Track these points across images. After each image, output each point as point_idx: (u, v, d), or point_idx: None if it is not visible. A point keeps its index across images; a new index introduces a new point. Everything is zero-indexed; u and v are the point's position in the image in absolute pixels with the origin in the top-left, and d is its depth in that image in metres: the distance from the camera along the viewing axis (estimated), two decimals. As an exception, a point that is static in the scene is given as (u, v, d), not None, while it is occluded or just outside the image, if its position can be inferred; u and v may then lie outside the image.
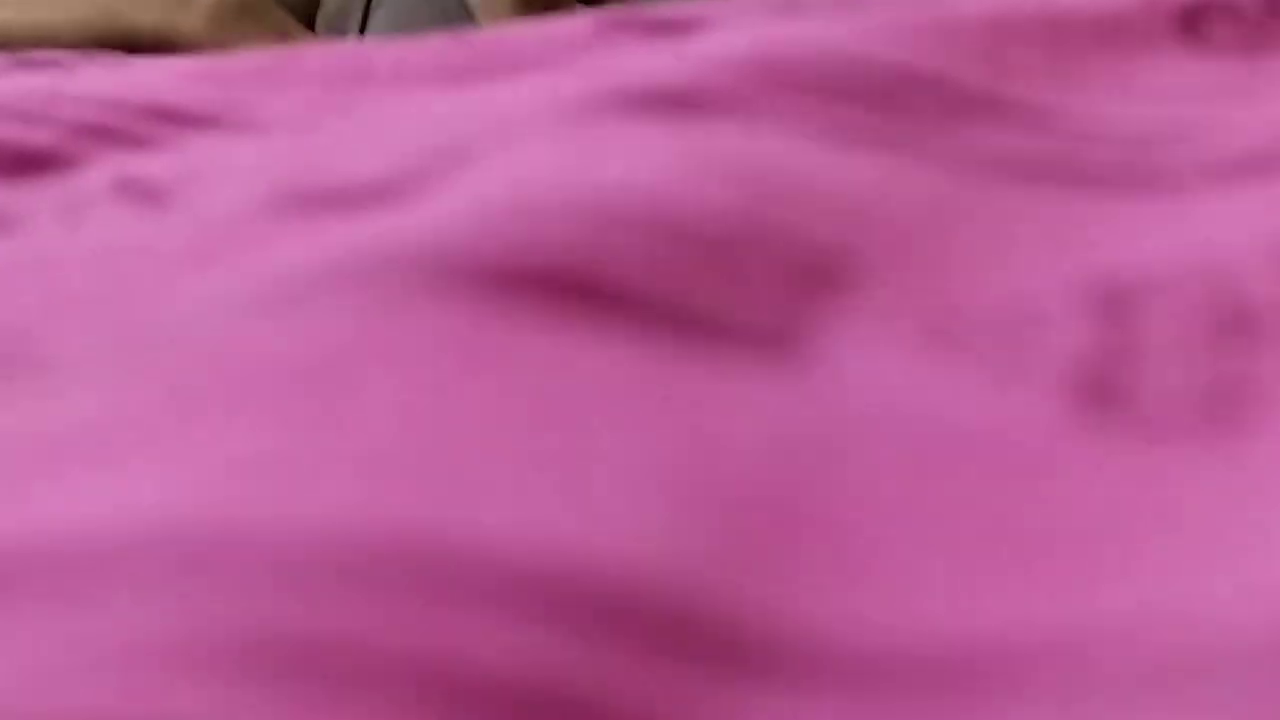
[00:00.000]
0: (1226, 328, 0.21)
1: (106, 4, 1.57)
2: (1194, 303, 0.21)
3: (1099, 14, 0.31)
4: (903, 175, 0.25)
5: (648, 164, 0.24)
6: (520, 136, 0.29)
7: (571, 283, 0.21)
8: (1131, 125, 0.28)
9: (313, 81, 0.40)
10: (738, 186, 0.24)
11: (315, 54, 0.43)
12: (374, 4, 1.78)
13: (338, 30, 1.94)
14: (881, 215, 0.24)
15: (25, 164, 0.37)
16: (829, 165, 0.25)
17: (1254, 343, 0.20)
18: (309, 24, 2.01)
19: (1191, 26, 0.32)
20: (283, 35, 1.64)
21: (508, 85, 0.35)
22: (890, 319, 0.22)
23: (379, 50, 0.42)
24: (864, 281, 0.23)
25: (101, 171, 0.34)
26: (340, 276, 0.21)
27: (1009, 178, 0.26)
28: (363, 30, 1.75)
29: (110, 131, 0.38)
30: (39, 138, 0.37)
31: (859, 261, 0.23)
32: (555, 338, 0.20)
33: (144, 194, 0.30)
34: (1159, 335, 0.21)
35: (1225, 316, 0.21)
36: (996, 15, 0.31)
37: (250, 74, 0.40)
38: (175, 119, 0.38)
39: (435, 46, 0.41)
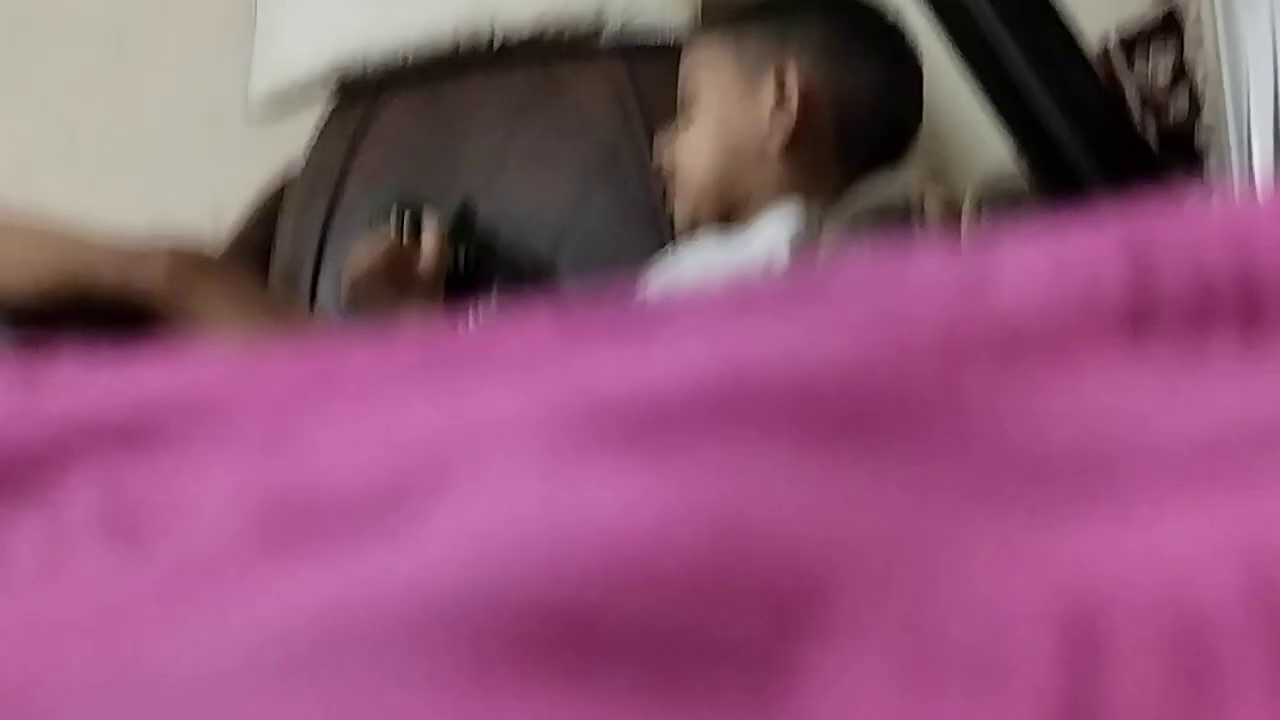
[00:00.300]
0: (1194, 679, 0.21)
1: (63, 264, 1.59)
2: (1161, 643, 0.22)
3: (1046, 316, 0.32)
4: (871, 499, 0.26)
5: (629, 504, 0.25)
6: (497, 458, 0.30)
7: (561, 642, 0.22)
8: (1088, 435, 0.29)
9: (283, 385, 0.41)
10: (719, 527, 0.25)
11: (283, 355, 0.43)
12: (325, 254, 1.80)
13: (292, 277, 1.96)
14: (854, 546, 0.25)
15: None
16: (800, 491, 0.26)
17: (1218, 703, 0.21)
18: (262, 274, 2.02)
19: (1138, 325, 0.33)
20: (237, 287, 1.66)
21: (478, 391, 0.36)
22: (868, 657, 0.23)
23: (347, 349, 0.43)
24: (839, 620, 0.23)
25: (74, 495, 0.34)
26: (329, 646, 0.22)
27: (971, 498, 0.27)
28: (315, 276, 1.77)
29: (83, 446, 0.38)
30: (9, 450, 0.37)
31: (834, 599, 0.24)
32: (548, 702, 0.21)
33: (123, 527, 0.31)
34: (1125, 681, 0.22)
35: (1193, 665, 0.22)
36: (948, 319, 0.32)
37: (218, 379, 0.41)
38: (146, 431, 0.39)
39: (403, 345, 0.42)
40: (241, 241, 2.03)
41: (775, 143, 1.61)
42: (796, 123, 1.60)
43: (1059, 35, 0.87)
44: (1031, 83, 0.87)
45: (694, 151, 1.66)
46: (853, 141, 1.63)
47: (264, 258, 2.02)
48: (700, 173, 1.66)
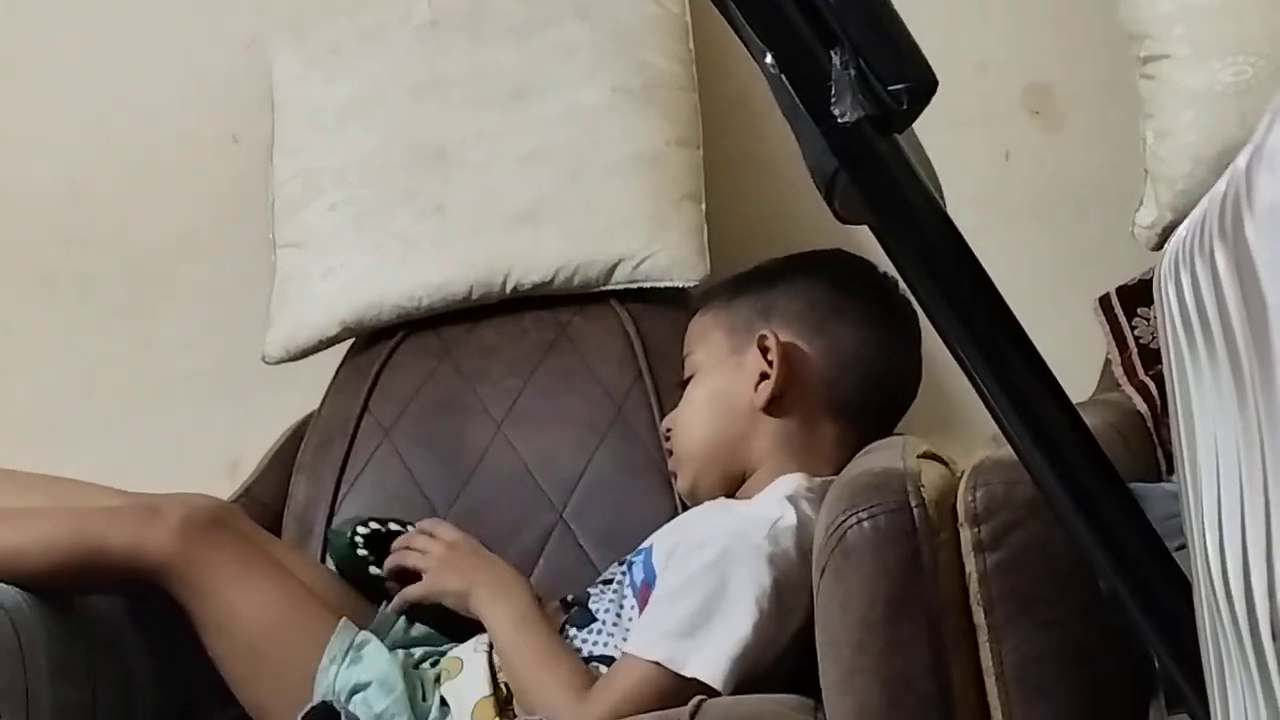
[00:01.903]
0: None
1: (76, 524, 1.62)
2: None
3: None
4: None
5: None
6: None
7: None
8: None
9: None
10: None
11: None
12: (338, 502, 1.82)
13: (305, 524, 1.98)
14: None
15: None
16: None
17: None
18: (278, 518, 2.05)
19: None
20: (245, 547, 1.68)
21: None
22: None
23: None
24: None
25: None
26: None
27: None
28: (328, 523, 1.79)
29: None
30: None
31: None
32: None
33: None
34: None
35: None
36: None
37: None
38: None
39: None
40: (257, 488, 2.05)
41: (761, 404, 1.65)
42: (781, 384, 1.65)
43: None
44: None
45: (691, 423, 1.71)
46: (841, 401, 1.67)
47: (279, 503, 2.04)
48: (699, 443, 1.70)
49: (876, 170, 0.84)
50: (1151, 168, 1.80)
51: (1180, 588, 0.82)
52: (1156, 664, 0.86)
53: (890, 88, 0.81)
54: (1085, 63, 2.08)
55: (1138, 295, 1.85)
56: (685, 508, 1.74)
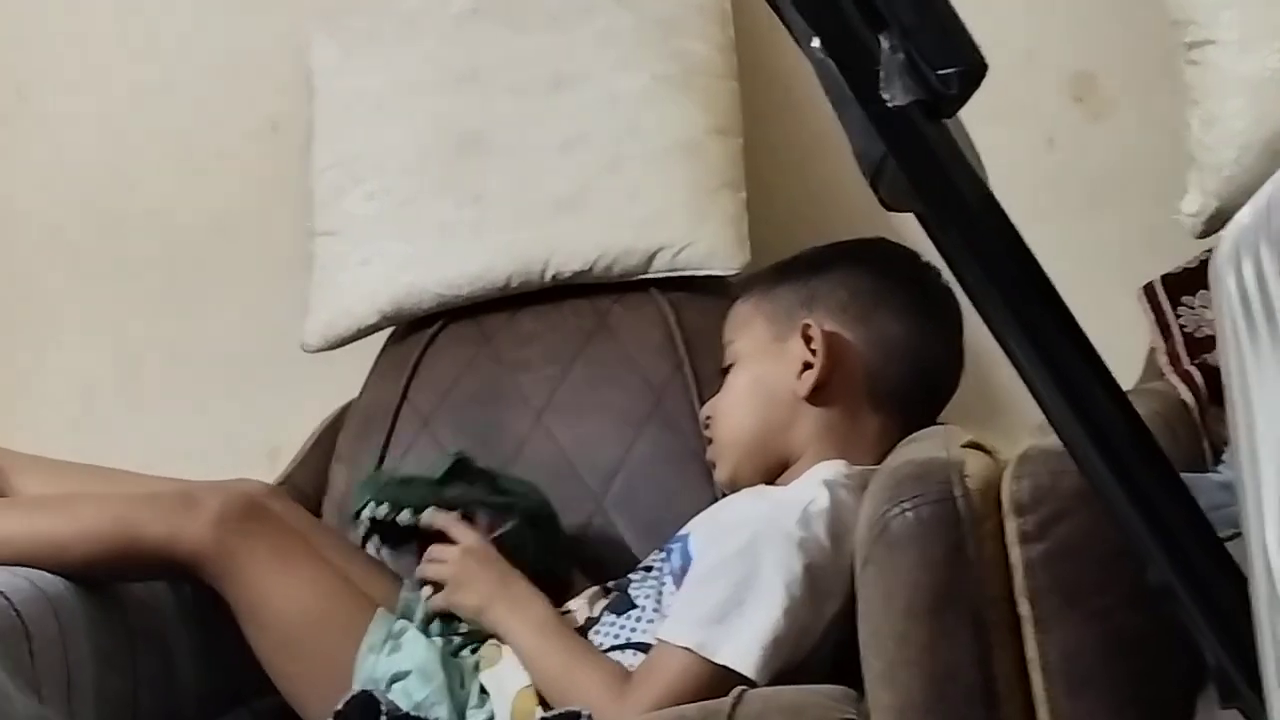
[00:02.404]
0: None
1: (118, 514, 1.62)
2: None
3: None
4: None
5: None
6: None
7: None
8: None
9: None
10: None
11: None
12: (381, 487, 1.81)
13: (345, 513, 1.97)
14: None
15: None
16: None
17: None
18: (317, 507, 2.05)
19: None
20: (284, 536, 1.68)
21: None
22: None
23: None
24: None
25: None
26: None
27: None
28: (357, 515, 1.78)
29: None
30: None
31: None
32: None
33: None
34: None
35: None
36: None
37: None
38: None
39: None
40: (297, 475, 2.05)
41: (804, 393, 1.64)
42: (824, 373, 1.64)
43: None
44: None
45: (732, 412, 1.70)
46: (884, 391, 1.66)
47: (319, 491, 2.04)
48: (739, 432, 1.69)
49: (924, 156, 0.83)
50: (1197, 155, 1.78)
51: (1234, 580, 0.81)
52: (1208, 657, 0.85)
53: (940, 72, 0.80)
54: (1130, 50, 2.06)
55: (1183, 283, 1.83)
56: (724, 494, 1.72)
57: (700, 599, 1.49)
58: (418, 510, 1.71)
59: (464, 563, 1.65)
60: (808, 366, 1.66)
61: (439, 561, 1.66)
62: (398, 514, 1.71)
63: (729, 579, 1.48)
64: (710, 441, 1.74)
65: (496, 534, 1.69)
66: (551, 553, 1.75)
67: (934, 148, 0.83)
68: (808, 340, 1.66)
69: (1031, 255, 0.84)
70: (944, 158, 0.83)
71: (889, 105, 0.80)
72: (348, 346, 2.10)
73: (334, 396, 2.14)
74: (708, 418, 1.75)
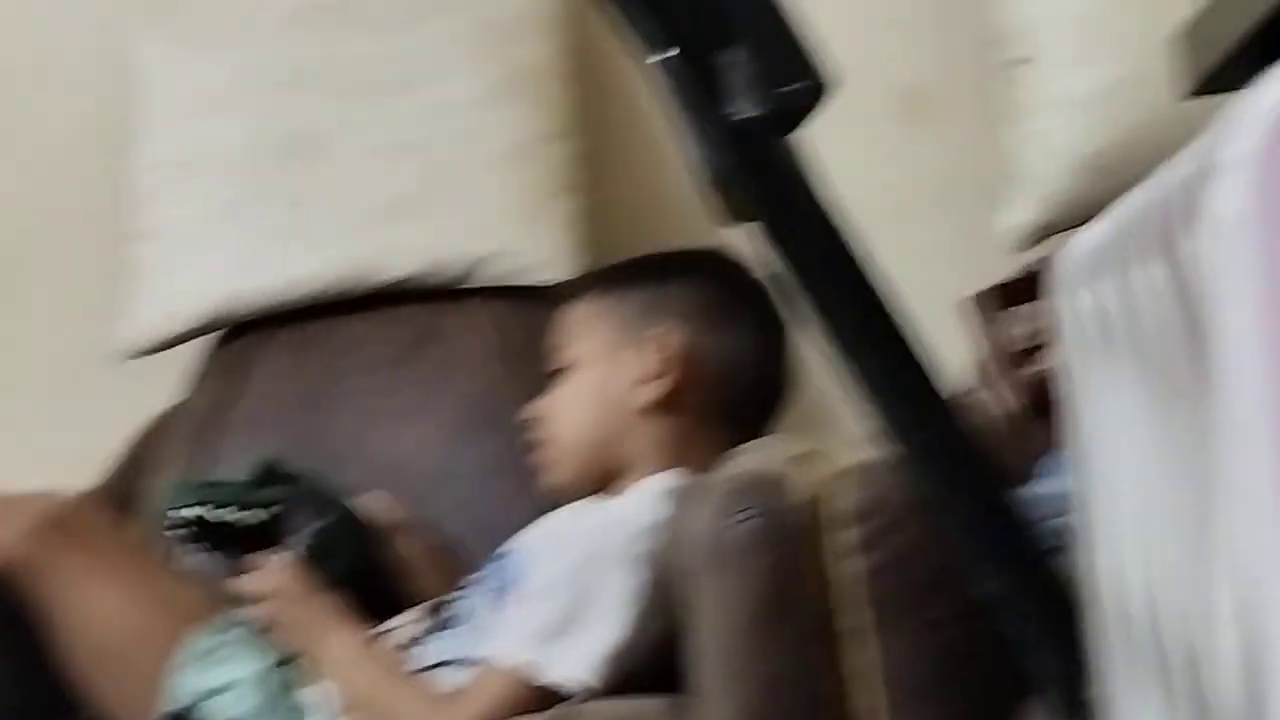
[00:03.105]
0: None
1: None
2: None
3: None
4: None
5: None
6: None
7: None
8: None
9: None
10: None
11: None
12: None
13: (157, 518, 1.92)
14: None
15: None
16: None
17: None
18: (132, 517, 1.99)
19: None
20: (99, 549, 1.63)
21: None
22: None
23: None
24: None
25: None
26: None
27: None
28: (169, 519, 1.72)
29: None
30: None
31: None
32: None
33: None
34: None
35: None
36: None
37: None
38: None
39: None
40: (112, 482, 2.00)
41: (645, 402, 1.62)
42: (676, 385, 1.62)
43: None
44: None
45: (568, 415, 1.66)
46: (733, 404, 1.65)
47: (136, 500, 1.99)
48: (574, 436, 1.66)
49: (766, 170, 0.83)
50: (1019, 170, 1.81)
51: (1061, 595, 0.82)
52: (1035, 670, 0.86)
53: (783, 88, 0.80)
54: (955, 66, 2.09)
55: (1004, 296, 1.86)
56: (554, 504, 1.70)
57: (532, 617, 1.48)
58: (231, 508, 1.67)
59: (276, 605, 1.61)
60: (655, 376, 1.63)
61: (255, 596, 1.62)
62: (210, 512, 1.67)
63: (562, 596, 1.47)
64: (537, 444, 1.70)
65: (306, 544, 1.65)
66: (368, 555, 1.72)
67: (776, 162, 0.83)
68: (660, 350, 1.63)
69: (872, 267, 0.85)
70: (786, 172, 0.83)
71: (731, 120, 0.80)
72: (166, 353, 2.05)
73: (150, 404, 2.09)
74: (535, 419, 1.70)
